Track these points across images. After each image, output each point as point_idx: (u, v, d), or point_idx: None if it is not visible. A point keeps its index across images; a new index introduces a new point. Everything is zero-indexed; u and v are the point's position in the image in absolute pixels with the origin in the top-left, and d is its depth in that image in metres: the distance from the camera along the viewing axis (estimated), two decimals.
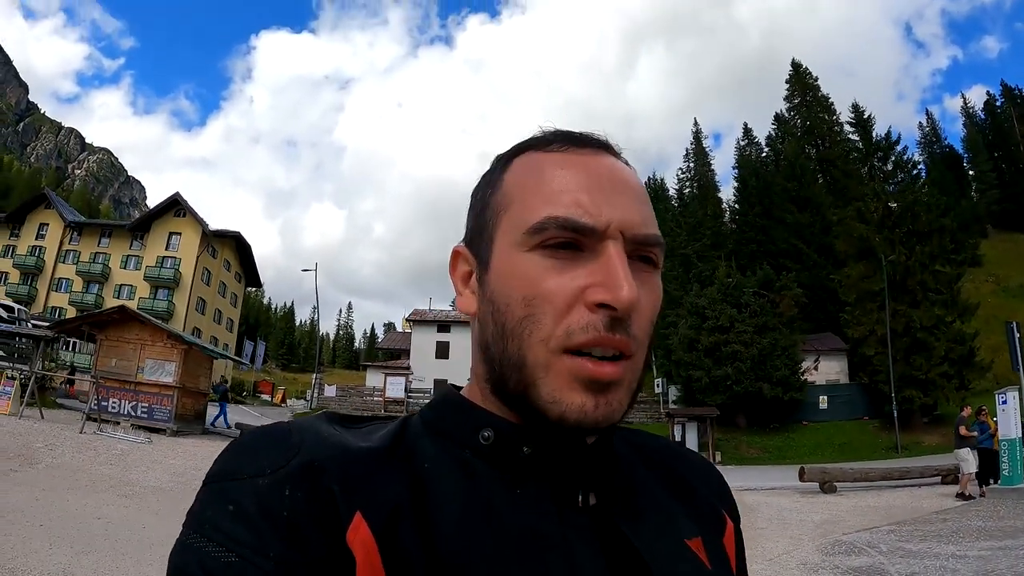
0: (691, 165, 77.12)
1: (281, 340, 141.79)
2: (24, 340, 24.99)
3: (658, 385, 42.42)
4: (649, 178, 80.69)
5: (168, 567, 0.62)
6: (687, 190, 76.12)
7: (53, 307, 68.83)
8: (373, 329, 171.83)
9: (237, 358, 46.95)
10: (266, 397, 61.74)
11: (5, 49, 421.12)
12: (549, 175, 0.71)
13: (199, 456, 17.38)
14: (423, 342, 59.84)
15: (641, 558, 0.69)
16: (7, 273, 71.83)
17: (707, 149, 78.53)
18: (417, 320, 62.10)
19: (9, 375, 20.98)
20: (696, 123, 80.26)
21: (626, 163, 0.77)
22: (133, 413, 21.60)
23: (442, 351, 58.30)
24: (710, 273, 45.21)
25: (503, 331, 0.69)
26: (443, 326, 60.56)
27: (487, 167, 0.77)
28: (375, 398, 48.17)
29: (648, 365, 0.57)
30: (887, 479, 19.53)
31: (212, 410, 28.14)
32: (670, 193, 78.53)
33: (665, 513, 0.78)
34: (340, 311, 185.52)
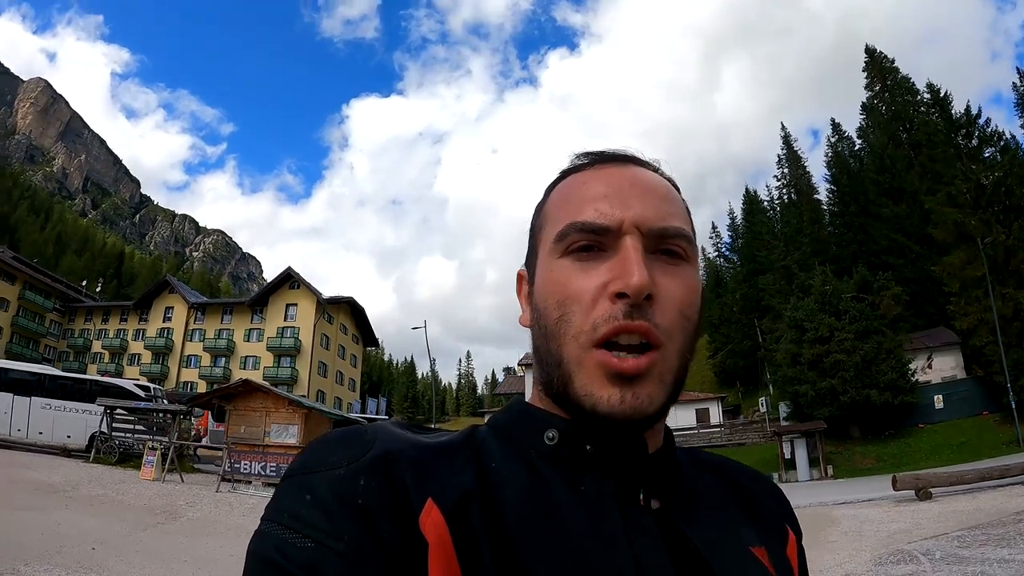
0: (785, 171, 73.96)
1: (404, 394, 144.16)
2: (162, 415, 27.11)
3: (762, 404, 41.82)
4: (745, 192, 78.60)
5: (247, 555, 0.66)
6: (784, 197, 73.42)
7: (185, 382, 74.03)
8: (494, 375, 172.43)
9: (353, 416, 48.18)
10: None
11: (114, 150, 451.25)
12: (575, 190, 0.79)
13: None
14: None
15: (706, 561, 0.72)
16: (140, 354, 77.71)
17: (799, 152, 74.96)
18: (528, 363, 62.76)
19: (151, 446, 23.26)
20: (783, 127, 77.15)
21: (656, 170, 0.84)
22: (263, 472, 23.20)
23: None
24: (811, 283, 44.02)
25: (545, 334, 0.75)
26: None
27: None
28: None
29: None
30: (986, 479, 18.74)
31: None
32: (764, 205, 76.52)
33: (728, 520, 0.82)
34: (460, 360, 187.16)
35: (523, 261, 0.88)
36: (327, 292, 79.75)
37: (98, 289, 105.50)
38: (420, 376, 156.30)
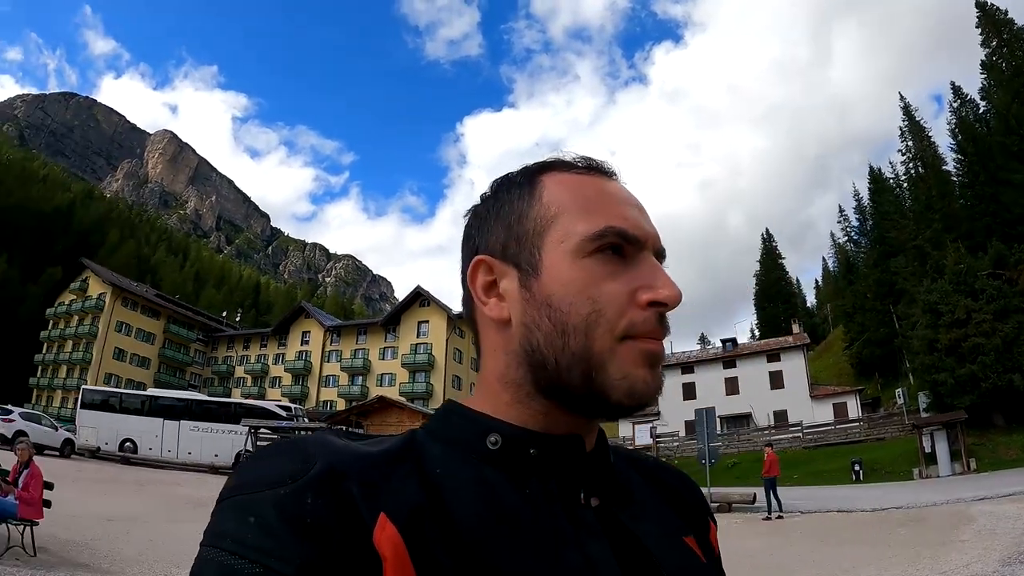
0: (909, 143, 68.86)
1: None
2: (303, 433, 28.58)
3: (899, 396, 40.11)
4: (869, 171, 74.22)
5: None
6: (910, 172, 68.63)
7: (324, 401, 77.47)
8: None
9: None
10: None
11: (242, 189, 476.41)
12: (595, 193, 0.80)
13: None
14: (669, 386, 57.63)
15: (648, 552, 0.75)
16: (280, 377, 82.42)
17: (922, 122, 69.67)
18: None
19: None
20: (902, 97, 72.11)
21: None
22: None
23: (688, 392, 58.09)
24: (944, 262, 41.70)
25: (564, 329, 0.74)
26: (687, 367, 60.53)
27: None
28: (627, 446, 47.95)
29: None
30: None
31: None
32: (890, 182, 72.35)
33: (661, 513, 0.85)
34: None
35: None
36: (457, 307, 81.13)
37: (237, 319, 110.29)
38: None
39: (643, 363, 0.74)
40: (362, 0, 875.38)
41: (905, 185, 69.86)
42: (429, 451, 0.75)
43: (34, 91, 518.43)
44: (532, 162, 0.87)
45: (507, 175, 0.87)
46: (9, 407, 36.17)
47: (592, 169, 0.84)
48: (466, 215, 0.89)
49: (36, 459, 9.92)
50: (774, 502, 17.59)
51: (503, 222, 0.82)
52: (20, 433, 28.57)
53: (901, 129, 70.24)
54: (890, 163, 76.25)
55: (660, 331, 0.75)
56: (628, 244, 0.76)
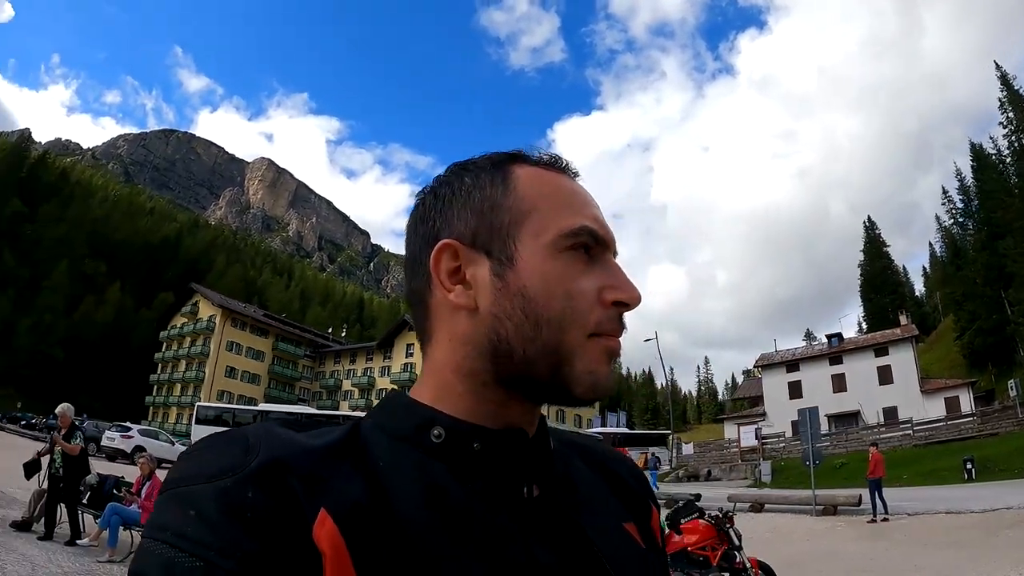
0: (1010, 115, 65.68)
1: (644, 406, 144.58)
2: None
3: (1012, 388, 38.57)
4: (971, 147, 71.73)
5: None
6: (1014, 146, 65.07)
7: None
8: (733, 379, 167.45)
9: (586, 431, 48.49)
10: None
11: (341, 209, 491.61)
12: (568, 191, 0.82)
13: None
14: (774, 386, 59.41)
15: (590, 542, 0.76)
16: (386, 389, 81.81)
17: (1021, 91, 66.05)
18: (765, 364, 61.44)
19: None
20: (997, 66, 68.34)
21: None
22: None
23: (795, 391, 57.16)
24: None
25: (538, 322, 0.74)
26: (792, 365, 59.37)
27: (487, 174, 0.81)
28: (732, 449, 47.43)
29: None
30: None
31: None
32: (992, 158, 68.66)
33: (602, 500, 0.87)
34: (698, 367, 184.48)
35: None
36: None
37: (343, 334, 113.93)
38: (659, 387, 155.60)
39: (606, 360, 0.76)
40: (441, 17, 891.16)
41: (1009, 160, 66.42)
42: (373, 444, 0.74)
43: (135, 130, 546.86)
44: (496, 151, 0.86)
45: (470, 160, 0.86)
46: (128, 424, 38.77)
47: (559, 167, 0.85)
48: (419, 196, 0.86)
49: (157, 472, 10.76)
50: (879, 504, 17.40)
51: (472, 208, 0.80)
52: (139, 448, 29.79)
53: (1000, 101, 67.41)
54: (990, 138, 71.90)
55: (620, 329, 0.77)
56: (597, 244, 0.78)
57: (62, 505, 10.25)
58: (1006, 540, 12.81)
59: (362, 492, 0.67)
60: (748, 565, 8.30)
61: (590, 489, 0.86)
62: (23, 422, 55.53)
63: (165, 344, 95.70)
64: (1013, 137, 65.91)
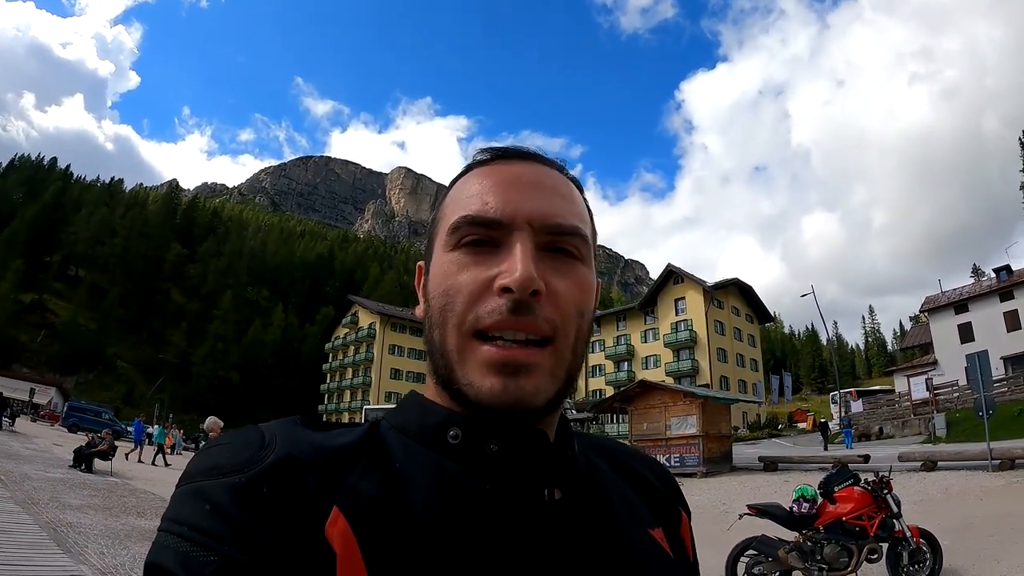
0: None
1: (811, 365, 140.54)
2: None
3: None
4: None
5: (145, 568, 0.62)
6: None
7: (594, 390, 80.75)
8: (901, 327, 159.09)
9: (747, 398, 47.41)
10: (802, 426, 60.81)
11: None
12: (471, 184, 0.80)
13: (725, 490, 19.91)
14: (943, 330, 55.77)
15: (613, 548, 0.74)
16: (655, 355, 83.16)
17: None
18: (931, 308, 57.83)
19: None
20: None
21: (560, 170, 0.86)
22: (668, 463, 24.33)
23: (965, 334, 53.30)
24: None
25: (431, 323, 0.76)
26: (960, 306, 55.35)
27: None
28: (904, 403, 44.44)
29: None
30: None
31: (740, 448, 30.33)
32: None
33: (628, 506, 0.84)
34: (863, 317, 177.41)
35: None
36: (713, 278, 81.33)
37: None
38: (824, 343, 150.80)
39: (489, 371, 0.71)
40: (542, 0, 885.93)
41: None
42: (391, 444, 0.75)
43: (273, 162, 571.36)
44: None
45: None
46: None
47: (500, 158, 0.83)
48: None
49: None
50: None
51: (428, 228, 0.86)
52: None
53: None
54: None
55: (514, 323, 0.71)
56: (491, 230, 0.75)
57: None
58: None
59: (376, 491, 0.67)
60: (909, 534, 7.96)
61: (615, 493, 0.84)
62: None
63: (331, 355, 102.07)
64: None
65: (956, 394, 39.08)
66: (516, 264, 0.71)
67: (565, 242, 0.77)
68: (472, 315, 0.72)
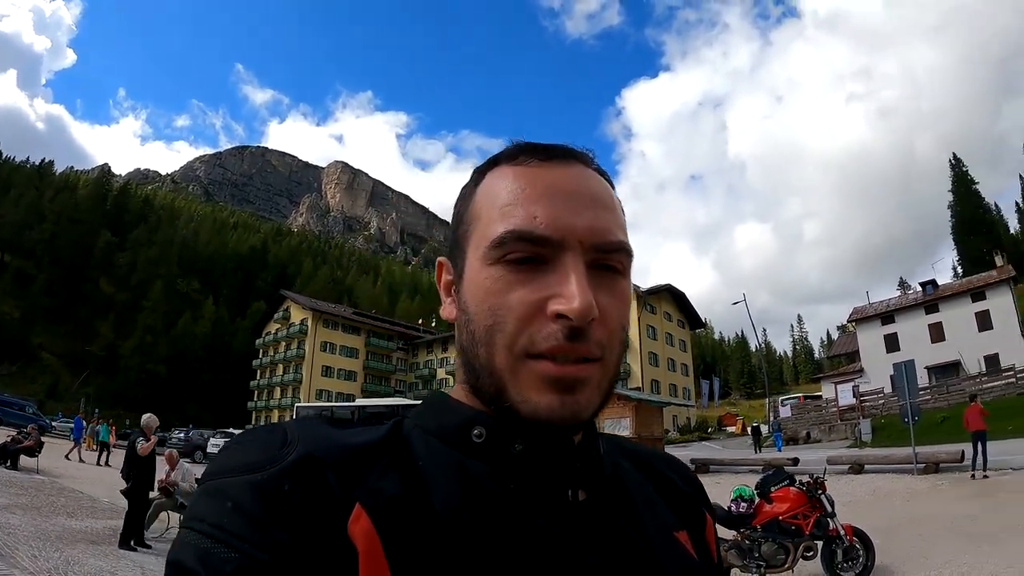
0: None
1: (740, 370, 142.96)
2: None
3: None
4: None
5: (167, 565, 0.61)
6: None
7: None
8: (829, 336, 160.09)
9: (679, 402, 48.28)
10: (731, 429, 62.23)
11: (419, 202, 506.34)
12: (511, 188, 0.74)
13: None
14: (869, 340, 57.42)
15: (638, 550, 0.73)
16: None
17: None
18: (859, 319, 59.56)
19: None
20: None
21: (598, 170, 0.81)
22: None
23: (891, 344, 55.01)
24: None
25: (474, 338, 0.73)
26: (887, 317, 57.29)
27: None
28: (830, 409, 45.75)
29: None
30: None
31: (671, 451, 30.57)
32: None
33: (652, 507, 0.83)
34: (791, 325, 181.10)
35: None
36: (646, 283, 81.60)
37: (433, 324, 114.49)
38: (753, 350, 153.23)
39: (545, 388, 0.70)
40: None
41: None
42: (414, 442, 0.74)
43: (209, 150, 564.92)
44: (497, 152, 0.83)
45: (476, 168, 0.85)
46: (232, 430, 40.61)
47: (537, 157, 0.78)
48: None
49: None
50: (979, 459, 16.78)
51: (452, 223, 0.83)
52: None
53: None
54: None
55: (571, 348, 0.69)
56: (539, 246, 0.71)
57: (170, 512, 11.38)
58: None
59: (399, 490, 0.66)
60: (842, 532, 8.18)
61: (640, 495, 0.84)
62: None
63: (262, 350, 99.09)
64: None
65: (881, 401, 40.41)
66: (573, 290, 0.68)
67: (611, 259, 0.75)
68: (524, 338, 0.70)
